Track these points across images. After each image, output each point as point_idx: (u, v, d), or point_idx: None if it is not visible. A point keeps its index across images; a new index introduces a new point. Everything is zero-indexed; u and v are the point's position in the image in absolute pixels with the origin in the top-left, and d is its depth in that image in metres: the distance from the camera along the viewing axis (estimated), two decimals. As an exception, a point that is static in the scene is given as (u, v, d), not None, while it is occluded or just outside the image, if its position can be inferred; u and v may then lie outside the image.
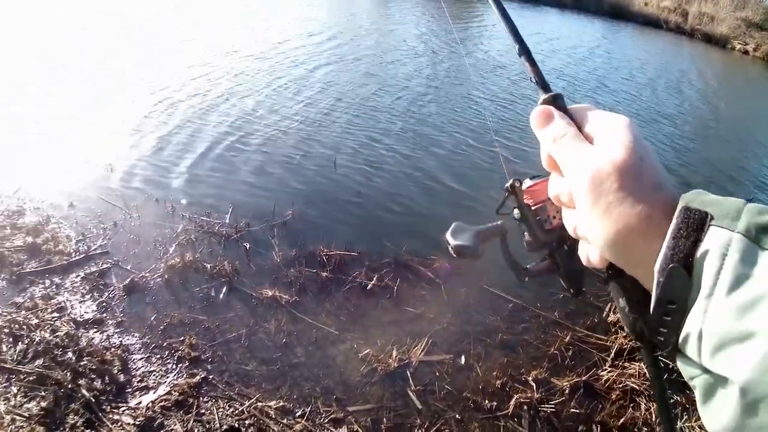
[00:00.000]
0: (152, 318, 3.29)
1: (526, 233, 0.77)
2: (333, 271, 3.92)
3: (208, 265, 3.75)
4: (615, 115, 0.57)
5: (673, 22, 25.69)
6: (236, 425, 2.57)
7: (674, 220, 0.47)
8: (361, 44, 11.46)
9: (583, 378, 3.42)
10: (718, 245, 0.43)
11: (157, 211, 4.37)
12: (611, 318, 3.98)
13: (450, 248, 0.76)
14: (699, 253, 0.45)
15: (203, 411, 2.64)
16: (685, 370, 0.47)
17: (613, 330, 3.87)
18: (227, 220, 4.33)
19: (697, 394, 0.45)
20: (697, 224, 0.46)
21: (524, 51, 0.69)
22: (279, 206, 4.61)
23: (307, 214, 4.65)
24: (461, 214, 5.08)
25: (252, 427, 2.58)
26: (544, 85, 0.66)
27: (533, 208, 0.76)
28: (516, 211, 0.78)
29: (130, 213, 4.28)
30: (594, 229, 0.52)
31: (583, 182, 0.52)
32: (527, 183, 0.78)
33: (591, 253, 0.57)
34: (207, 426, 2.54)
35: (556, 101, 0.63)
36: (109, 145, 5.38)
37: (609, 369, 3.55)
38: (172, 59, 8.47)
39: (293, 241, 4.19)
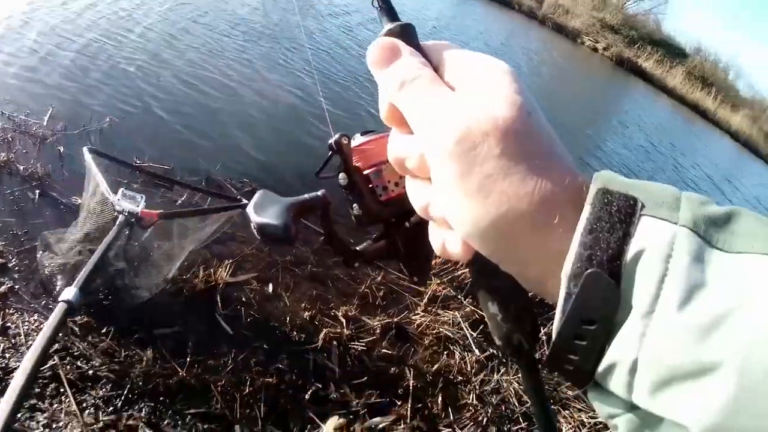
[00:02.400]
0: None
1: (355, 205, 0.64)
2: (144, 183, 4.03)
3: (21, 167, 3.72)
4: (490, 59, 0.42)
5: (526, 5, 25.58)
6: (41, 340, 2.80)
7: (588, 207, 0.34)
8: None
9: (395, 320, 3.47)
10: (660, 243, 0.31)
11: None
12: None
13: (252, 226, 0.64)
14: (630, 253, 0.32)
15: (9, 324, 2.83)
16: (602, 408, 0.35)
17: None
18: (45, 122, 4.21)
19: None
20: (623, 214, 0.33)
21: None
22: (97, 112, 4.55)
23: (125, 123, 4.64)
24: (284, 145, 5.42)
25: (57, 344, 2.77)
26: (390, 12, 0.47)
27: (365, 172, 0.63)
28: (342, 176, 0.64)
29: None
30: (460, 212, 0.38)
31: (446, 144, 0.37)
32: (358, 140, 0.64)
33: (450, 240, 0.42)
34: (12, 341, 2.76)
35: (406, 34, 0.44)
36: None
37: (422, 314, 3.59)
38: None
39: (107, 148, 4.13)
